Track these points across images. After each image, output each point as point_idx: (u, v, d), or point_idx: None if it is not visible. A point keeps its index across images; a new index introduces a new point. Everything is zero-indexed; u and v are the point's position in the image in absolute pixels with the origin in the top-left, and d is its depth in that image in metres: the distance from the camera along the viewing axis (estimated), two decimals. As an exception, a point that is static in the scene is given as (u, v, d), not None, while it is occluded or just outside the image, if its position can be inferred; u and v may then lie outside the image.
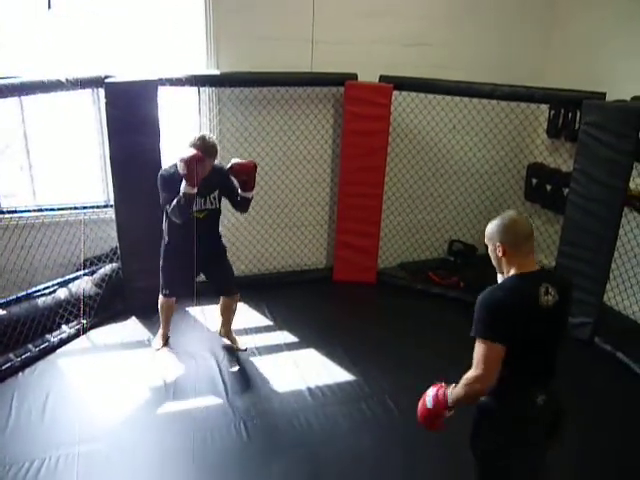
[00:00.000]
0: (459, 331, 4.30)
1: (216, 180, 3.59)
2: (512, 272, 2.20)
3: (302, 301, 4.80)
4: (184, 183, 3.32)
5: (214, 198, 3.63)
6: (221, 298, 4.00)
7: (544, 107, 5.18)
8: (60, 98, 4.02)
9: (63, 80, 3.74)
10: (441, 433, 3.08)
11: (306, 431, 3.26)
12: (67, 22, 4.14)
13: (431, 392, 2.23)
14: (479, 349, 2.06)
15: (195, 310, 4.59)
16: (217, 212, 3.71)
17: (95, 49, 4.23)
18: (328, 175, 5.22)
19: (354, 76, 4.74)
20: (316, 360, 3.99)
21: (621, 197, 3.95)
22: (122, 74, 4.08)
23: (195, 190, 3.35)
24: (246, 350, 4.04)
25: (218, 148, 3.52)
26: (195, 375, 3.77)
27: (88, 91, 4.25)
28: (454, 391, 2.13)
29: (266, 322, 4.48)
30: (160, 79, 4.16)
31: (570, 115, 4.97)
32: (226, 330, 4.12)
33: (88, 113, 4.44)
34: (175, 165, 3.41)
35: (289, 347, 4.14)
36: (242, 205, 3.74)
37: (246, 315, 4.56)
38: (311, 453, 3.11)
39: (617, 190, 3.94)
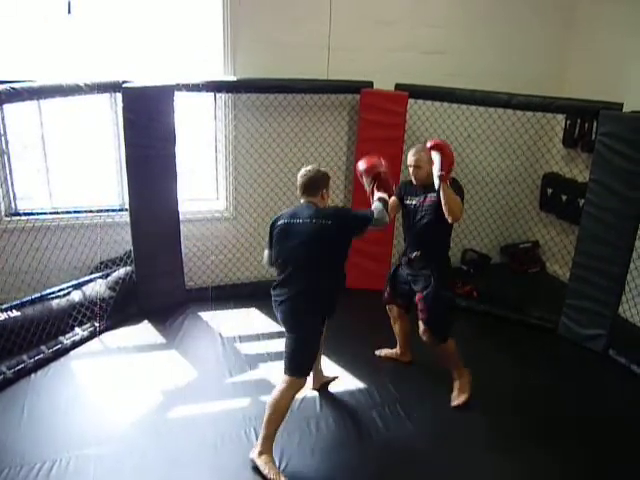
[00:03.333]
0: (472, 340, 4.31)
1: None
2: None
3: (314, 308, 4.78)
4: None
5: None
6: None
7: (560, 117, 5.16)
8: (78, 102, 4.05)
9: (81, 84, 3.79)
10: (447, 446, 3.06)
11: (316, 438, 3.24)
12: (86, 27, 4.19)
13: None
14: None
15: (207, 315, 4.61)
16: None
17: (113, 54, 4.28)
18: (342, 182, 5.22)
19: (370, 84, 4.75)
20: (327, 367, 3.97)
21: (637, 208, 3.92)
22: (139, 79, 4.12)
23: None
24: None
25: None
26: (206, 380, 3.78)
27: (106, 95, 4.30)
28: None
29: (277, 328, 4.43)
30: (177, 84, 4.19)
31: (587, 125, 4.95)
32: None
33: (105, 117, 4.48)
34: None
35: (300, 354, 4.13)
36: None
37: (258, 321, 4.56)
38: (321, 460, 3.09)
39: (633, 201, 3.90)
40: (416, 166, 3.49)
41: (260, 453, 2.96)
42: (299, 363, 3.03)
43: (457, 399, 3.57)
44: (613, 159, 3.95)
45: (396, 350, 4.07)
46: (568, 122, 5.17)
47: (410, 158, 3.51)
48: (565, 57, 5.41)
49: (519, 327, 4.62)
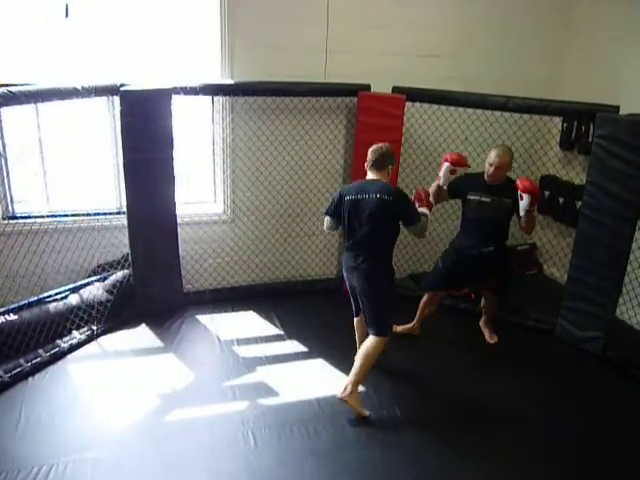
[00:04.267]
0: (470, 343, 4.32)
1: None
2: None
3: (312, 311, 4.79)
4: None
5: None
6: None
7: (557, 119, 5.17)
8: (76, 105, 4.05)
9: (79, 88, 3.78)
10: (446, 448, 3.07)
11: (315, 441, 3.24)
12: (84, 30, 4.19)
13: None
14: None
15: (205, 318, 4.60)
16: None
17: (111, 57, 4.28)
18: (340, 185, 5.21)
19: (367, 87, 4.75)
20: (325, 370, 3.97)
21: (634, 210, 3.93)
22: (137, 82, 4.12)
23: None
24: None
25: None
26: (204, 383, 3.77)
27: (103, 99, 4.29)
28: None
29: (276, 331, 4.47)
30: (175, 88, 4.19)
31: (583, 128, 4.96)
32: None
33: (103, 121, 4.48)
34: None
35: (298, 357, 4.13)
36: None
37: (256, 324, 4.56)
38: (319, 464, 3.09)
39: (630, 203, 3.91)
40: (498, 167, 3.87)
41: (351, 393, 3.41)
42: (382, 323, 3.52)
43: (492, 339, 4.35)
44: (610, 161, 3.96)
45: (413, 323, 4.47)
46: (565, 124, 5.18)
47: (494, 159, 3.88)
48: (562, 59, 5.42)
49: (517, 329, 4.62)
